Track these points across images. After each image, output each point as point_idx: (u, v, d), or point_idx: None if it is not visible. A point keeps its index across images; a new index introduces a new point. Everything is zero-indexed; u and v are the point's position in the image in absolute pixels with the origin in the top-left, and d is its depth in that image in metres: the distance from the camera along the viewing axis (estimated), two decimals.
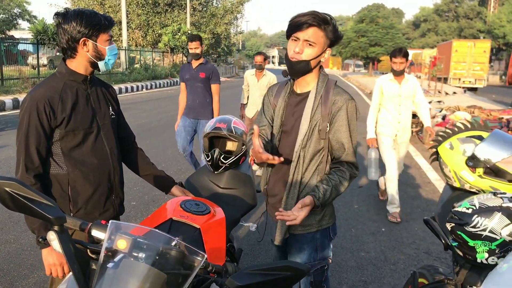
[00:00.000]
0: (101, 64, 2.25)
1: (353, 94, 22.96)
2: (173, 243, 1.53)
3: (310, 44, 2.12)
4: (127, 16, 31.33)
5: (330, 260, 2.32)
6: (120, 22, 34.31)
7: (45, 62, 23.88)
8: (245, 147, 2.75)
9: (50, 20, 18.43)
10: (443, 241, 2.14)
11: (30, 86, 17.12)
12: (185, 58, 34.41)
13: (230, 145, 2.83)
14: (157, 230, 1.56)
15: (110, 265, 1.46)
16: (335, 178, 2.13)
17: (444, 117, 10.98)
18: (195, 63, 5.90)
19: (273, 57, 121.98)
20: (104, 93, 2.40)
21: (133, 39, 36.27)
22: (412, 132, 10.42)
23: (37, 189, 1.91)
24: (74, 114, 2.19)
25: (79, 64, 2.23)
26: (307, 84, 2.25)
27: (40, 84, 2.21)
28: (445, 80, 26.79)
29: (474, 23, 62.00)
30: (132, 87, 22.48)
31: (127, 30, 30.93)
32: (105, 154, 2.31)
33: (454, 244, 1.93)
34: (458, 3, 67.62)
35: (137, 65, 28.38)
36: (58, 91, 2.17)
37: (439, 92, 20.01)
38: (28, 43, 23.03)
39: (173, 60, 33.55)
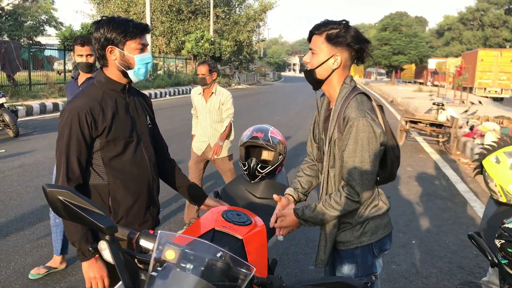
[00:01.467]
0: (130, 74, 2.20)
1: (378, 102, 22.64)
2: (219, 254, 1.52)
3: (313, 53, 2.11)
4: (151, 23, 31.74)
5: (374, 277, 2.21)
6: None
7: (71, 68, 24.33)
8: (281, 156, 2.73)
9: (77, 27, 18.78)
10: (490, 258, 2.08)
11: (56, 91, 17.44)
12: None
13: (266, 154, 2.81)
14: (205, 241, 1.55)
15: (159, 275, 1.46)
16: (326, 199, 2.08)
17: (472, 127, 10.80)
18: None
19: (294, 64, 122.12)
20: (141, 102, 2.39)
21: (156, 46, 36.70)
22: (438, 142, 10.31)
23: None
24: (115, 124, 2.17)
25: (112, 73, 2.21)
26: (331, 96, 2.19)
27: (79, 94, 2.19)
28: (470, 89, 26.40)
29: (500, 32, 61.07)
30: (155, 93, 22.74)
31: (151, 37, 31.33)
32: (144, 163, 2.30)
33: (504, 261, 1.87)
34: (483, 11, 66.69)
35: (160, 72, 28.69)
36: (98, 101, 2.15)
37: (463, 102, 19.72)
38: (54, 49, 23.54)
39: (196, 67, 33.81)
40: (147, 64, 2.23)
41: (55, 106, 15.23)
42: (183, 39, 36.05)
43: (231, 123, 5.04)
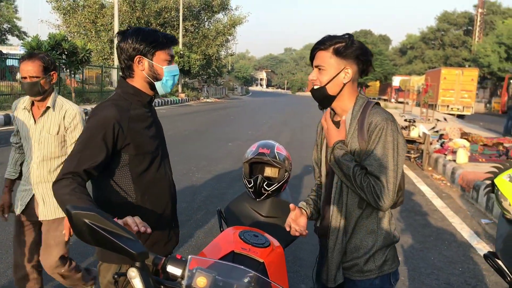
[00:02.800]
0: (158, 85, 2.12)
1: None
2: (247, 280, 1.43)
3: (320, 69, 2.04)
4: None
5: None
6: (111, 41, 34.35)
7: None
8: (287, 173, 2.66)
9: (43, 37, 18.30)
10: (508, 279, 2.06)
11: None
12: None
13: (269, 171, 2.74)
14: (237, 265, 1.45)
15: None
16: (356, 168, 1.96)
17: (442, 144, 11.03)
18: None
19: (261, 79, 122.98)
20: (157, 118, 2.31)
21: None
22: (410, 158, 10.48)
23: (80, 189, 1.81)
24: (143, 137, 2.08)
25: (138, 84, 2.12)
26: (343, 110, 2.10)
27: (108, 103, 2.06)
28: (433, 106, 27.15)
29: (460, 51, 63.37)
30: None
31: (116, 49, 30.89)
32: (167, 179, 2.21)
33: None
34: (444, 31, 69.10)
35: None
36: (127, 112, 2.04)
37: (429, 119, 20.21)
38: (17, 59, 22.84)
39: None
40: (174, 76, 2.16)
41: None
42: None
43: None
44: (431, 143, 11.23)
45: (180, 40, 36.14)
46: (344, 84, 2.05)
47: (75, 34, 36.43)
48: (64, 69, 19.84)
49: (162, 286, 1.40)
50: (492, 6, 64.07)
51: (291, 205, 2.10)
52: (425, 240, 5.48)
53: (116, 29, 28.00)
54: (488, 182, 2.35)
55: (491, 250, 2.26)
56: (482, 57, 49.74)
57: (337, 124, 2.12)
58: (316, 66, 2.05)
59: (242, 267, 1.44)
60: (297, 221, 2.08)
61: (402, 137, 1.99)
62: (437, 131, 14.03)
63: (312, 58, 2.10)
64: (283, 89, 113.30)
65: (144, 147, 2.09)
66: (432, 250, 5.14)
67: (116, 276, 1.41)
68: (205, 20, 42.89)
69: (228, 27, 42.02)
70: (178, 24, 37.05)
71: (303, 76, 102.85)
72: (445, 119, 21.07)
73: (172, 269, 1.42)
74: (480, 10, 61.72)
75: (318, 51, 2.06)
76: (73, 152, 1.93)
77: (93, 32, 36.70)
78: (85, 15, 36.18)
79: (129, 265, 1.34)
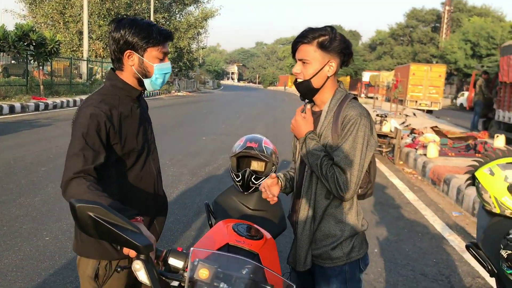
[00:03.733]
0: (146, 82, 2.06)
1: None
2: (246, 271, 1.45)
3: (304, 63, 2.06)
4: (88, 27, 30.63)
5: None
6: (80, 33, 33.60)
7: None
8: (274, 167, 2.69)
9: (10, 27, 17.73)
10: (489, 268, 2.15)
11: None
12: None
13: (256, 165, 2.76)
14: (237, 256, 1.47)
15: None
16: (324, 158, 2.02)
17: (413, 139, 11.27)
18: None
19: (232, 73, 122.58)
20: (145, 110, 2.27)
21: (93, 50, 35.49)
22: (382, 152, 10.68)
23: (95, 186, 1.73)
24: (130, 135, 2.03)
25: (127, 78, 2.05)
26: (322, 102, 2.15)
27: (96, 98, 1.99)
28: (402, 102, 27.64)
29: (428, 48, 64.56)
30: None
31: (88, 40, 30.25)
32: (152, 176, 2.16)
33: (510, 271, 1.94)
34: (412, 28, 70.28)
35: (98, 76, 27.74)
36: (116, 107, 1.99)
37: (400, 113, 20.60)
38: None
39: None
40: (165, 74, 2.09)
41: None
42: None
43: None
44: (402, 138, 11.46)
45: None
46: (328, 77, 2.09)
47: (42, 25, 35.45)
48: (32, 61, 19.33)
49: (165, 278, 1.41)
50: (459, 4, 65.53)
51: (272, 174, 2.18)
52: (399, 232, 5.61)
53: (85, 20, 27.44)
54: (469, 175, 2.44)
55: (473, 241, 2.35)
56: (449, 54, 50.90)
57: (315, 114, 2.16)
58: (300, 60, 2.06)
59: (241, 257, 1.47)
60: (271, 188, 2.17)
61: (373, 133, 2.04)
62: (407, 126, 14.34)
63: (294, 51, 2.11)
64: (255, 83, 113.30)
65: (130, 146, 2.04)
66: (406, 242, 5.27)
67: (119, 269, 1.41)
68: (177, 12, 42.42)
69: (199, 20, 41.66)
70: (149, 17, 36.47)
71: (274, 71, 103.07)
72: (414, 114, 21.51)
73: (174, 262, 1.43)
74: (447, 8, 63.05)
75: (301, 45, 2.06)
76: (75, 151, 1.83)
77: (61, 23, 35.78)
78: (53, 5, 35.20)
79: (134, 258, 1.34)
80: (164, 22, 40.31)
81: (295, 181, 2.26)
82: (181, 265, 1.41)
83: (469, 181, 2.44)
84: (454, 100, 46.58)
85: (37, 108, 16.61)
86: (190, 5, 42.12)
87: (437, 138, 10.69)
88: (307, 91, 2.11)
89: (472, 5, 66.64)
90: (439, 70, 30.71)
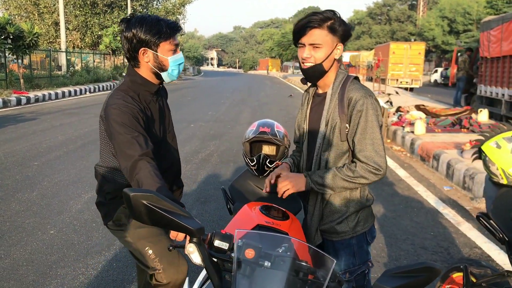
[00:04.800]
0: (164, 75, 2.15)
1: (298, 95, 23.58)
2: (285, 247, 1.53)
3: (316, 47, 2.07)
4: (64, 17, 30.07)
5: (371, 264, 2.31)
6: (56, 23, 32.98)
7: None
8: (287, 150, 2.76)
9: None
10: (500, 236, 2.27)
11: None
12: (126, 61, 33.57)
13: (267, 149, 2.82)
14: (278, 234, 1.55)
15: (241, 275, 1.44)
16: (339, 169, 2.09)
17: (399, 117, 11.45)
18: None
19: (212, 58, 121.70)
20: (164, 101, 2.34)
21: (70, 40, 34.91)
22: None
23: (156, 172, 1.84)
24: (149, 128, 2.11)
25: (145, 73, 2.14)
26: (325, 84, 2.20)
27: (120, 94, 2.07)
28: (383, 81, 27.95)
29: (406, 26, 65.04)
30: (75, 91, 21.65)
31: (65, 31, 29.71)
32: (169, 168, 2.24)
33: None
34: (389, 6, 70.63)
35: (77, 67, 27.36)
36: (138, 101, 2.08)
37: (383, 92, 20.83)
38: None
39: (115, 62, 32.65)
40: (180, 65, 2.18)
41: None
42: (99, 33, 34.60)
43: None
44: (388, 116, 11.64)
45: None
46: (335, 60, 2.15)
47: (16, 17, 34.70)
48: (10, 54, 18.96)
49: (215, 259, 1.48)
50: None
51: (280, 170, 2.28)
52: (395, 208, 5.76)
53: (61, 11, 26.93)
54: (475, 149, 2.55)
55: (483, 211, 2.47)
56: (427, 31, 51.42)
57: (320, 97, 2.23)
58: (311, 44, 2.07)
59: (282, 235, 1.54)
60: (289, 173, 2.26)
61: (379, 110, 2.12)
62: (391, 103, 14.54)
63: (301, 35, 2.10)
64: (235, 68, 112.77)
65: (151, 136, 2.10)
66: (403, 217, 5.42)
67: (171, 248, 1.48)
68: None
69: (177, 6, 41.21)
70: (126, 4, 35.98)
71: (254, 54, 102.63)
72: (396, 93, 21.77)
73: (220, 243, 1.49)
74: None
75: (310, 29, 2.07)
76: (127, 138, 1.92)
77: (36, 14, 35.09)
78: None
79: (188, 241, 1.40)
80: (141, 10, 39.78)
81: (302, 162, 2.33)
82: (227, 247, 1.48)
83: (475, 155, 2.55)
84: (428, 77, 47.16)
85: (19, 102, 16.37)
86: None
87: (423, 115, 10.89)
88: (318, 74, 2.13)
89: None
90: (419, 48, 31.03)
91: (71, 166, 7.35)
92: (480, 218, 2.40)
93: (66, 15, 33.59)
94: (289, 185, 2.12)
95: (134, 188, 1.37)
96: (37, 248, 4.26)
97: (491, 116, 12.13)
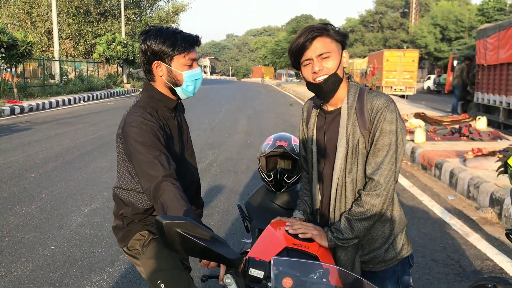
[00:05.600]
0: (178, 91, 2.05)
1: (296, 104, 23.50)
2: (317, 277, 1.44)
3: (325, 57, 1.88)
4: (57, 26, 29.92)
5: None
6: (49, 32, 32.83)
7: None
8: None
9: None
10: None
11: None
12: (120, 69, 33.50)
13: (283, 163, 2.73)
14: (315, 261, 1.46)
15: None
16: (350, 213, 1.90)
17: None
18: None
19: (205, 66, 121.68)
20: (182, 117, 2.25)
21: (63, 49, 34.74)
22: None
23: (181, 193, 1.76)
24: (168, 145, 2.01)
25: (160, 88, 2.05)
26: (338, 99, 1.98)
27: (139, 110, 1.99)
28: (377, 88, 28.00)
29: (398, 33, 65.44)
30: (69, 100, 21.48)
31: (58, 39, 29.56)
32: (189, 186, 2.15)
33: None
34: (382, 14, 71.08)
35: (71, 76, 27.19)
36: (156, 118, 1.99)
37: None
38: None
39: (108, 71, 32.51)
40: (196, 81, 2.07)
41: None
42: (93, 41, 34.46)
43: None
44: None
45: (123, 28, 35.05)
46: (344, 69, 1.96)
47: (9, 25, 34.50)
48: (3, 63, 18.79)
49: None
50: None
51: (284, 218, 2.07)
52: None
53: (54, 19, 26.74)
54: (501, 163, 2.48)
55: (509, 227, 2.39)
56: (419, 38, 51.69)
57: (332, 114, 2.02)
58: (319, 55, 1.88)
59: (319, 262, 1.45)
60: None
61: (400, 116, 1.93)
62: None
63: (301, 53, 1.91)
64: (228, 75, 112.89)
65: (170, 153, 2.01)
66: (411, 228, 5.34)
67: (204, 278, 1.39)
68: (147, 8, 41.85)
69: (171, 14, 41.22)
70: (120, 13, 35.91)
71: (247, 62, 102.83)
72: None
73: (255, 272, 1.39)
74: None
75: (314, 40, 1.88)
76: (148, 158, 1.84)
77: (29, 23, 34.92)
78: (19, 5, 34.31)
79: (224, 272, 1.31)
80: (135, 18, 39.76)
81: (315, 193, 2.11)
82: (262, 275, 1.38)
83: (501, 169, 2.48)
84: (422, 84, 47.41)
85: (12, 112, 16.19)
86: (160, 0, 41.69)
87: (422, 123, 10.85)
88: (335, 86, 1.92)
89: None
90: (412, 55, 31.15)
91: (69, 178, 7.22)
92: (510, 235, 2.32)
93: (59, 23, 33.44)
94: (312, 234, 1.91)
95: (167, 215, 1.28)
96: (38, 265, 4.13)
97: (489, 123, 12.14)
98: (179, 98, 2.11)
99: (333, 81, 1.91)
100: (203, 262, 1.57)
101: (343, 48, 1.96)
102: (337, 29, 1.94)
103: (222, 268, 1.34)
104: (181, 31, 2.04)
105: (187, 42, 2.01)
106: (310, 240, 1.90)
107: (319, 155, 2.06)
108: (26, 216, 5.43)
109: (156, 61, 1.99)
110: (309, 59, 1.90)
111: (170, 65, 2.00)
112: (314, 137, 2.07)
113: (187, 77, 2.03)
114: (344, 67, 1.95)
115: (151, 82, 2.06)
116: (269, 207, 2.61)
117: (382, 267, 2.01)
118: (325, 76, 1.89)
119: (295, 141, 2.68)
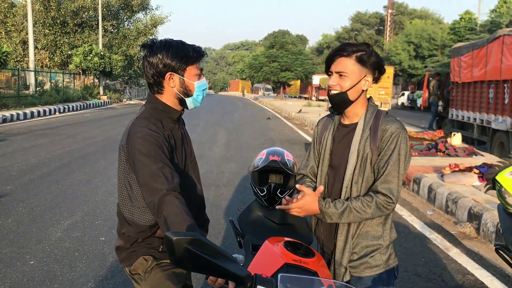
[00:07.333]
0: (189, 101, 2.07)
1: (273, 118, 23.63)
2: None
3: (341, 75, 2.11)
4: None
5: None
6: (24, 42, 32.31)
7: None
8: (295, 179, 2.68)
9: None
10: None
11: None
12: (97, 80, 33.15)
13: (275, 178, 2.74)
14: (319, 277, 1.46)
15: None
16: (357, 200, 2.09)
17: None
18: None
19: None
20: (185, 129, 2.24)
21: (39, 60, 34.19)
22: None
23: (184, 208, 1.74)
24: (172, 157, 2.00)
25: (168, 100, 2.05)
26: (355, 115, 2.20)
27: (144, 122, 1.98)
28: None
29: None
30: (44, 111, 21.12)
31: (34, 50, 29.10)
32: (192, 201, 2.12)
33: None
34: (357, 31, 72.38)
35: (46, 87, 26.74)
36: (161, 129, 1.97)
37: None
38: None
39: (84, 82, 32.13)
40: (203, 91, 2.11)
41: None
42: (69, 52, 34.04)
43: None
44: None
45: (100, 40, 34.74)
46: (363, 91, 2.16)
47: None
48: None
49: None
50: (400, 7, 68.17)
51: (298, 186, 2.16)
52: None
53: (30, 29, 26.30)
54: (489, 179, 2.53)
55: (501, 243, 2.43)
56: (394, 55, 52.69)
57: (347, 127, 2.22)
58: (338, 72, 2.12)
59: (324, 279, 1.45)
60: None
61: (409, 145, 2.16)
62: None
63: (330, 63, 2.16)
64: None
65: (174, 165, 2.01)
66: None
67: None
68: (125, 19, 41.61)
69: (149, 27, 41.07)
70: (97, 24, 35.62)
71: (224, 76, 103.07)
72: None
73: None
74: (390, 11, 65.26)
75: (339, 58, 2.13)
76: (152, 170, 1.82)
77: (3, 32, 34.32)
78: None
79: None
80: (112, 30, 39.47)
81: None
82: None
83: (489, 185, 2.53)
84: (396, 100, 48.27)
85: None
86: (138, 12, 41.43)
87: None
88: (341, 103, 2.16)
89: (413, 8, 69.54)
90: (387, 72, 31.18)
91: (46, 191, 7.06)
92: (500, 251, 2.36)
93: (35, 33, 32.95)
94: (299, 210, 2.13)
95: (177, 231, 1.26)
96: (17, 281, 4.01)
97: (463, 139, 12.42)
98: (183, 109, 2.12)
99: (341, 98, 2.15)
100: (210, 279, 1.56)
101: (378, 73, 2.16)
102: (371, 53, 2.12)
103: (231, 285, 1.33)
104: (187, 43, 2.08)
105: (197, 53, 2.07)
106: (309, 256, 1.91)
107: (331, 164, 2.26)
108: (2, 230, 5.28)
109: (169, 73, 2.01)
110: (331, 71, 2.15)
111: (183, 76, 2.03)
112: (329, 146, 2.26)
113: (198, 87, 2.08)
114: (363, 90, 2.15)
115: (156, 94, 2.06)
116: (262, 222, 2.61)
117: (369, 272, 2.16)
118: (336, 92, 2.15)
119: (288, 156, 2.70)
